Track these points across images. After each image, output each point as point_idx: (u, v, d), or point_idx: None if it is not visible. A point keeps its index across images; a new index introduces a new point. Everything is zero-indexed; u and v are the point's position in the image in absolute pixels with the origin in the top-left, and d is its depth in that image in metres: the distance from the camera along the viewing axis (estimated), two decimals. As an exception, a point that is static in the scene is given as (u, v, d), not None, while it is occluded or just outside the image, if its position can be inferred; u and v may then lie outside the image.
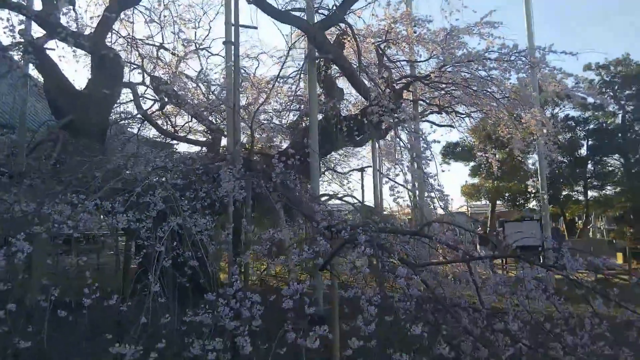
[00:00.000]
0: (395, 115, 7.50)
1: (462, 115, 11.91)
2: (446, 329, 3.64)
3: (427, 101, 11.08)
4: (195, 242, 4.55)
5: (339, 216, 4.68)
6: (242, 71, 10.07)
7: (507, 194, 25.34)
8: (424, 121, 13.93)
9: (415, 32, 9.77)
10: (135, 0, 9.76)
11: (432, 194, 6.70)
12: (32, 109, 13.17)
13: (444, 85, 10.15)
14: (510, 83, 9.31)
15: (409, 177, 7.18)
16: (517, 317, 3.79)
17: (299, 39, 10.26)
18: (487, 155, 14.37)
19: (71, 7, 9.89)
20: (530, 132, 10.01)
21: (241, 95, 11.01)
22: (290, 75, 10.60)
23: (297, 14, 7.95)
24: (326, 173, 15.93)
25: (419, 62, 9.86)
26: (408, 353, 3.40)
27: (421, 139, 7.72)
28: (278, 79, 9.43)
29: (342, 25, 9.31)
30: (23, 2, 9.50)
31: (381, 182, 14.18)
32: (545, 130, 10.32)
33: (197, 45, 13.45)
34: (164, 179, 4.98)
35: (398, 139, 7.76)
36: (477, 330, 3.70)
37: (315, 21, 7.48)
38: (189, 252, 4.44)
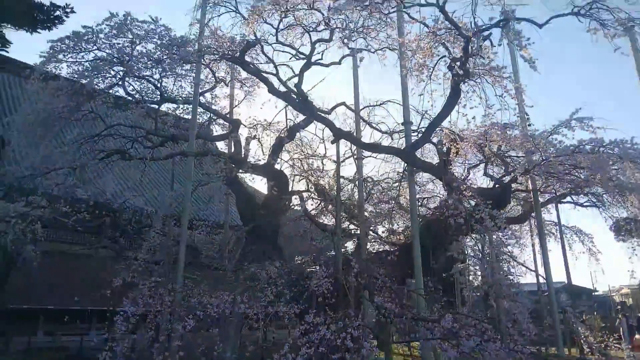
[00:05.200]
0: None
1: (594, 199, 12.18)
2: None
3: (541, 190, 11.81)
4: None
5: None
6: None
7: None
8: (565, 202, 14.30)
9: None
10: (292, 136, 13.26)
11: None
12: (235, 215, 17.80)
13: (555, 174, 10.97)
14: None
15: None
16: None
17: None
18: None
19: (251, 143, 13.95)
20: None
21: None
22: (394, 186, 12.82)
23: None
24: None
25: (519, 157, 10.91)
26: None
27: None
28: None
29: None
30: (224, 150, 13.94)
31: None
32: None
33: (353, 152, 16.58)
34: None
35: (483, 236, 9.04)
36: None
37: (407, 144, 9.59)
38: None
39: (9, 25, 7.23)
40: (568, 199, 14.05)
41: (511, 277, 8.43)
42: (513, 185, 11.50)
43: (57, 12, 7.24)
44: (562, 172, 10.95)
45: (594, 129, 9.98)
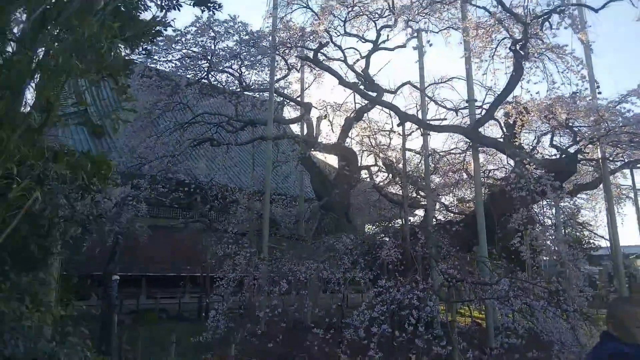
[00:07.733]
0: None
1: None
2: None
3: (611, 158, 11.86)
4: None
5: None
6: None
7: None
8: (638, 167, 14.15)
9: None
10: (360, 117, 14.12)
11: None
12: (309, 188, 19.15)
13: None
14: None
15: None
16: None
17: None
18: None
19: (322, 123, 15.01)
20: None
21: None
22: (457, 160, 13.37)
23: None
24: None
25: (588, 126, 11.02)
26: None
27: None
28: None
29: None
30: (297, 132, 15.11)
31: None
32: None
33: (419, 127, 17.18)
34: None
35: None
36: None
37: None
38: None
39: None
40: (641, 165, 13.89)
41: (573, 243, 8.92)
42: (581, 154, 11.68)
43: (158, 27, 8.42)
44: (629, 141, 10.97)
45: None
